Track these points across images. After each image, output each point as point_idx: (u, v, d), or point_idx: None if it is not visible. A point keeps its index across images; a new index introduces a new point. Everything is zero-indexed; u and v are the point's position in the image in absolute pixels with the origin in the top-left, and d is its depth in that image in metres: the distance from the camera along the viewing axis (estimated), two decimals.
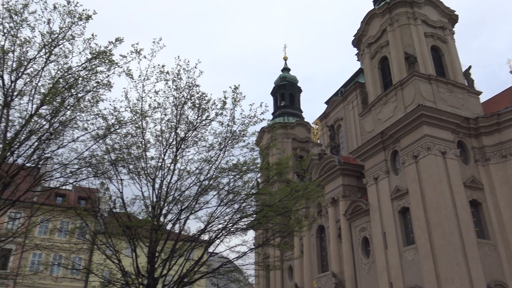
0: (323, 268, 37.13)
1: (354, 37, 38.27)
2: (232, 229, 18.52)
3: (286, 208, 18.31)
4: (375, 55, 35.51)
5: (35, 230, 20.47)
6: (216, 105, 17.30)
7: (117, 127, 16.30)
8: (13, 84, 14.58)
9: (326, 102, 47.10)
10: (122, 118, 16.55)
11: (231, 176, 17.53)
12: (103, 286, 19.07)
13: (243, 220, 18.63)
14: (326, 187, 36.61)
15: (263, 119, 17.52)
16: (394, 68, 32.41)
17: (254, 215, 18.77)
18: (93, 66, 14.93)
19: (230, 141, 17.69)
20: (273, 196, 17.66)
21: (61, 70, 14.76)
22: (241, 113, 17.62)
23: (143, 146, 17.28)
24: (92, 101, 15.43)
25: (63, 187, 21.91)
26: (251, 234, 50.38)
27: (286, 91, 57.20)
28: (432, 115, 28.05)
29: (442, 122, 28.35)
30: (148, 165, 17.50)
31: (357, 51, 39.04)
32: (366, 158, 33.15)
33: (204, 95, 17.20)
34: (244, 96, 17.26)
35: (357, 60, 40.04)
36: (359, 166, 35.07)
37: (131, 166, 17.37)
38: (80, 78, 14.91)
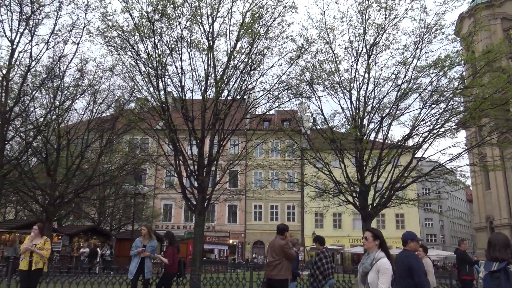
0: None
1: None
2: (440, 131, 17.33)
3: (504, 99, 16.00)
4: None
5: (254, 152, 23.41)
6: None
7: (307, 46, 16.63)
8: (211, 28, 16.25)
9: None
10: (310, 37, 16.76)
11: (433, 75, 16.10)
12: (319, 195, 20.75)
13: (452, 119, 17.16)
14: None
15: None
16: None
17: (465, 112, 17.04)
18: None
19: (426, 36, 16.07)
20: (486, 88, 15.55)
21: (247, 2, 15.65)
22: (434, 1, 15.67)
23: (335, 60, 17.26)
24: (281, 25, 16.01)
25: (268, 113, 24.12)
26: (462, 134, 46.42)
27: None
28: None
29: None
30: (342, 78, 17.54)
31: None
32: None
33: None
34: None
35: None
36: None
37: (326, 82, 17.72)
38: (265, 6, 15.56)
